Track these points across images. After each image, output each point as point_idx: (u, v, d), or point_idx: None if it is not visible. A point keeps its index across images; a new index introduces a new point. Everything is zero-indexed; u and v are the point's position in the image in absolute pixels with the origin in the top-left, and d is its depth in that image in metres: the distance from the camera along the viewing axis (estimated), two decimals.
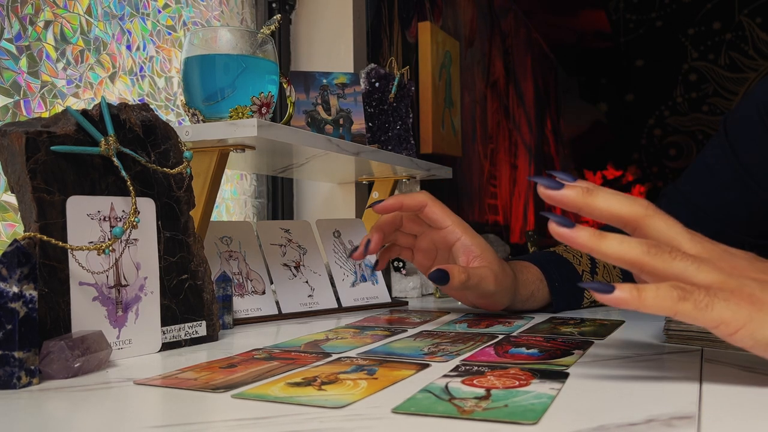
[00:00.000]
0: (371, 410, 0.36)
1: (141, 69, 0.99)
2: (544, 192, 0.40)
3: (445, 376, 0.43)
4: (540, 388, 0.40)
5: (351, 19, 1.33)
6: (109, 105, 0.54)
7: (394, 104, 1.05)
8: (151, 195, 0.56)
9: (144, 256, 0.54)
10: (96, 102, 0.63)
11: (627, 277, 0.82)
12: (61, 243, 0.47)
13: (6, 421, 0.35)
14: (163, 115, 1.02)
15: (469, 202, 2.09)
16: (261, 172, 1.18)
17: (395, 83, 1.04)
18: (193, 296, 0.59)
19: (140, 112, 0.57)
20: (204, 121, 0.71)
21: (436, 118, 1.71)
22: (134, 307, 0.53)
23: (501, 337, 0.60)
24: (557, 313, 0.77)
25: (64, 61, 0.86)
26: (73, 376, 0.45)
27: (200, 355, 0.54)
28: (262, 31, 0.73)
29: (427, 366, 0.47)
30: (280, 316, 0.77)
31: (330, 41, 1.34)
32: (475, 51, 2.19)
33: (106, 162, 0.52)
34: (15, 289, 0.42)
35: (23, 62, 0.80)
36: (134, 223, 0.53)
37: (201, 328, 0.59)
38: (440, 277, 0.62)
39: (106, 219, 0.52)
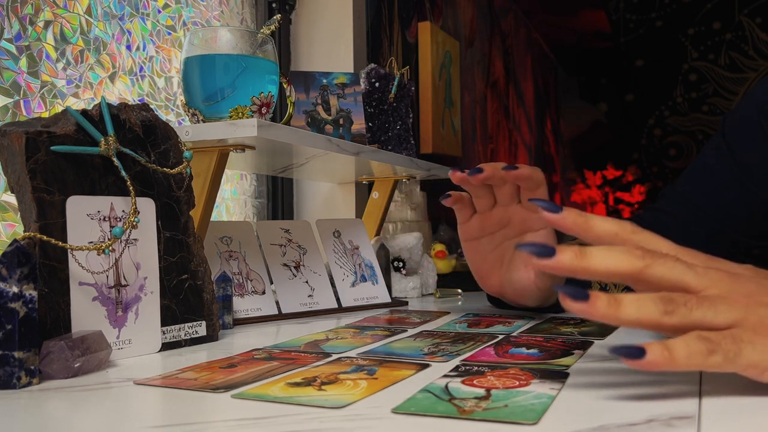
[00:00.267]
0: (371, 410, 0.36)
1: (141, 69, 0.99)
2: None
3: (445, 376, 0.43)
4: (540, 388, 0.40)
5: (351, 19, 1.33)
6: (109, 105, 0.54)
7: (394, 104, 1.05)
8: (151, 195, 0.56)
9: (144, 256, 0.54)
10: (96, 102, 0.63)
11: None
12: (61, 243, 0.47)
13: (6, 421, 0.35)
14: (163, 115, 1.02)
15: None
16: (261, 172, 1.18)
17: (395, 83, 1.04)
18: (193, 296, 0.59)
19: (140, 112, 0.57)
20: (204, 121, 0.71)
21: (436, 118, 1.71)
22: (134, 307, 0.53)
23: (501, 337, 0.60)
24: (559, 312, 0.77)
25: (64, 61, 0.86)
26: (73, 376, 0.45)
27: (200, 355, 0.54)
28: (262, 31, 0.73)
29: (427, 366, 0.47)
30: (280, 316, 0.77)
31: (330, 41, 1.34)
32: (475, 51, 2.19)
33: (106, 162, 0.52)
34: (15, 289, 0.42)
35: (23, 62, 0.80)
36: (134, 223, 0.53)
37: (201, 328, 0.59)
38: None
39: (106, 219, 0.52)
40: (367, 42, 1.40)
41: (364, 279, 0.90)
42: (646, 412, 0.35)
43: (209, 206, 0.72)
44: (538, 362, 0.48)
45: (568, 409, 0.36)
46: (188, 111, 0.72)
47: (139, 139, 0.56)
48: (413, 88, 1.10)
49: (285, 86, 0.80)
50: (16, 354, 0.42)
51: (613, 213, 3.92)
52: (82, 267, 0.49)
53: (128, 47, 0.97)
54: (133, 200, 0.52)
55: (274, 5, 1.29)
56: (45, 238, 0.46)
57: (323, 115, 0.93)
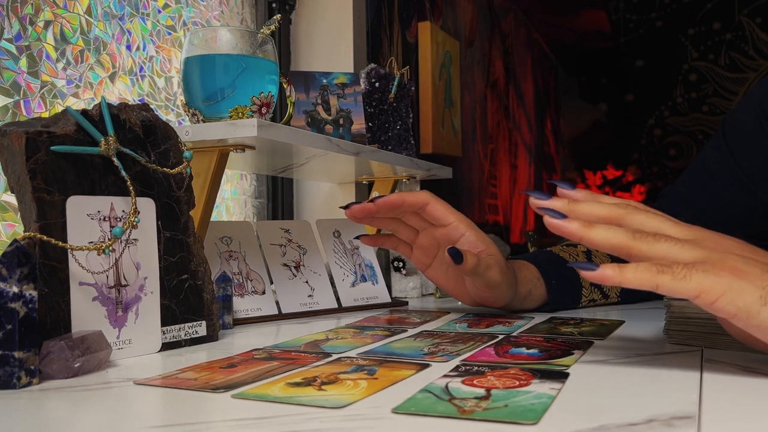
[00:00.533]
0: (371, 410, 0.36)
1: (141, 69, 0.99)
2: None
3: (445, 376, 0.43)
4: (540, 388, 0.40)
5: (351, 19, 1.33)
6: (109, 105, 0.54)
7: (394, 104, 1.05)
8: (151, 195, 0.56)
9: (144, 256, 0.54)
10: (96, 102, 0.63)
11: None
12: (61, 243, 0.47)
13: (6, 421, 0.35)
14: (163, 115, 1.02)
15: (469, 202, 2.09)
16: (261, 172, 1.18)
17: (395, 83, 1.05)
18: (193, 296, 0.59)
19: (140, 112, 0.57)
20: (204, 121, 0.71)
21: (436, 118, 1.71)
22: (134, 307, 0.53)
23: (501, 337, 0.60)
24: (554, 311, 0.77)
25: (64, 61, 0.86)
26: (73, 376, 0.45)
27: (200, 355, 0.54)
28: (262, 31, 0.73)
29: (427, 366, 0.47)
30: (280, 316, 0.77)
31: (330, 41, 1.34)
32: (475, 51, 2.20)
33: (106, 162, 0.52)
34: (15, 289, 0.42)
35: (23, 62, 0.80)
36: (134, 223, 0.53)
37: (201, 328, 0.59)
38: (456, 254, 0.63)
39: (106, 219, 0.52)
40: (367, 42, 1.40)
41: (364, 279, 0.90)
42: (646, 412, 0.35)
43: (209, 206, 0.72)
44: (538, 362, 0.48)
45: (568, 409, 0.36)
46: (188, 111, 0.72)
47: (139, 139, 0.56)
48: (413, 88, 1.10)
49: (285, 86, 0.80)
50: (16, 354, 0.42)
51: None
52: (82, 267, 0.49)
53: (128, 47, 0.97)
54: (133, 200, 0.52)
55: (274, 5, 1.29)
56: (45, 238, 0.46)
57: (323, 115, 0.93)
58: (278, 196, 1.30)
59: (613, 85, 4.06)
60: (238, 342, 0.60)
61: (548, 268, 0.77)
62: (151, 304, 0.54)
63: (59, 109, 0.84)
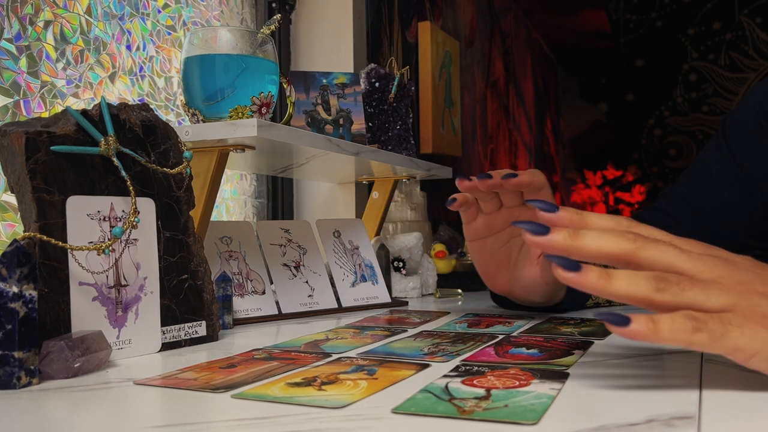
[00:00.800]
0: (371, 410, 0.36)
1: (141, 69, 0.99)
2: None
3: (445, 376, 0.43)
4: (540, 388, 0.40)
5: (351, 19, 1.33)
6: (109, 105, 0.54)
7: (394, 104, 1.05)
8: (151, 195, 0.56)
9: (144, 256, 0.54)
10: (96, 102, 0.63)
11: None
12: (61, 243, 0.47)
13: (6, 421, 0.35)
14: (163, 115, 1.02)
15: None
16: (261, 172, 1.18)
17: (395, 83, 1.04)
18: (193, 296, 0.59)
19: (140, 112, 0.57)
20: (204, 121, 0.71)
21: (436, 118, 1.71)
22: (134, 307, 0.53)
23: (501, 337, 0.60)
24: (565, 311, 0.76)
25: (64, 61, 0.86)
26: (73, 376, 0.45)
27: (200, 355, 0.54)
28: (262, 31, 0.73)
29: (427, 366, 0.47)
30: (280, 316, 0.77)
31: (330, 41, 1.34)
32: (475, 51, 2.20)
33: (106, 162, 0.52)
34: (15, 289, 0.42)
35: (23, 62, 0.80)
36: (134, 223, 0.53)
37: (201, 328, 0.59)
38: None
39: (106, 219, 0.52)
40: (367, 42, 1.40)
41: (364, 279, 0.90)
42: (646, 412, 0.35)
43: (209, 206, 0.72)
44: (538, 362, 0.48)
45: (568, 409, 0.36)
46: (188, 111, 0.72)
47: (139, 139, 0.56)
48: (413, 88, 1.10)
49: (285, 86, 0.80)
50: (16, 354, 0.42)
51: (613, 213, 3.91)
52: (82, 267, 0.49)
53: (128, 47, 0.97)
54: (133, 200, 0.52)
55: (274, 5, 1.29)
56: (45, 238, 0.46)
57: (323, 115, 0.93)
58: (278, 196, 1.30)
59: (613, 85, 4.06)
60: (238, 342, 0.60)
61: None
62: (151, 304, 0.54)
63: (59, 109, 0.84)
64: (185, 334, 0.57)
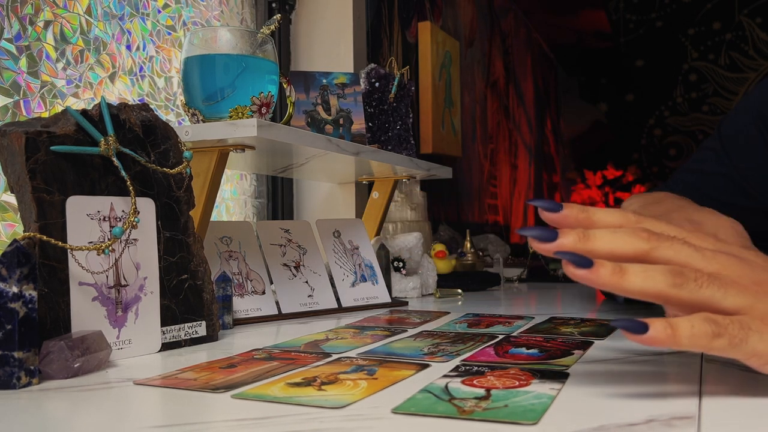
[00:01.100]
0: (371, 410, 0.36)
1: (141, 69, 0.99)
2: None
3: (445, 376, 0.43)
4: (540, 388, 0.40)
5: (351, 19, 1.33)
6: (109, 105, 0.54)
7: (394, 104, 1.05)
8: (151, 195, 0.56)
9: (144, 256, 0.54)
10: (96, 102, 0.63)
11: None
12: (60, 243, 0.47)
13: (6, 421, 0.35)
14: (163, 115, 1.02)
15: (469, 202, 2.09)
16: (261, 172, 1.18)
17: (395, 83, 1.04)
18: (193, 296, 0.59)
19: (140, 112, 0.57)
20: (204, 121, 0.70)
21: (436, 118, 1.71)
22: (134, 307, 0.53)
23: (501, 337, 0.60)
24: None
25: (64, 61, 0.86)
26: (73, 376, 0.45)
27: (200, 355, 0.54)
28: (262, 31, 0.73)
29: (427, 366, 0.47)
30: (280, 316, 0.77)
31: (330, 41, 1.34)
32: (475, 51, 2.19)
33: (105, 162, 0.52)
34: (15, 289, 0.42)
35: (23, 62, 0.80)
36: (134, 223, 0.53)
37: (201, 328, 0.59)
38: None
39: (106, 219, 0.52)
40: (367, 42, 1.40)
41: (364, 279, 0.90)
42: (646, 412, 0.35)
43: (209, 206, 0.72)
44: (538, 362, 0.48)
45: (568, 409, 0.36)
46: (188, 111, 0.72)
47: (139, 139, 0.56)
48: (413, 88, 1.10)
49: (285, 86, 0.80)
50: (16, 354, 0.42)
51: None
52: (82, 267, 0.49)
53: (128, 47, 0.97)
54: (133, 200, 0.52)
55: (274, 5, 1.29)
56: (45, 238, 0.46)
57: (323, 115, 0.93)
58: (278, 196, 1.30)
59: (613, 85, 4.06)
60: (238, 342, 0.60)
61: None
62: (150, 304, 0.54)
63: (59, 109, 0.84)
64: (185, 334, 0.57)
